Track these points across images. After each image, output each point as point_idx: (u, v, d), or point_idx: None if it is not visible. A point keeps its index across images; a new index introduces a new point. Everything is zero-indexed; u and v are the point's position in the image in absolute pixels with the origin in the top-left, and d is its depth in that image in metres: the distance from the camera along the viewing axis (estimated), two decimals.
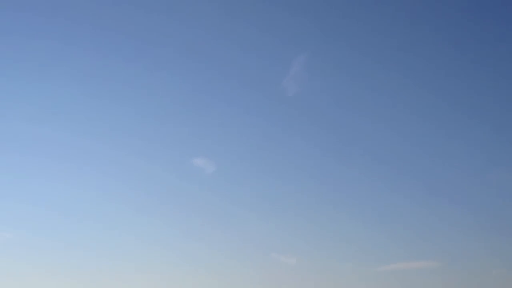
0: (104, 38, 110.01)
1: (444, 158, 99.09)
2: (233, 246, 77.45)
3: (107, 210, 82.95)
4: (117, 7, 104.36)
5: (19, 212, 79.23)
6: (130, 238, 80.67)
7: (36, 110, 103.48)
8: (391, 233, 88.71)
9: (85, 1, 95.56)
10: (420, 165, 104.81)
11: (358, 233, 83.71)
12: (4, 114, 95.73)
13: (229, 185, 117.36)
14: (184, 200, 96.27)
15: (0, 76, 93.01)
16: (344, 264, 74.45)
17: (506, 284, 63.04)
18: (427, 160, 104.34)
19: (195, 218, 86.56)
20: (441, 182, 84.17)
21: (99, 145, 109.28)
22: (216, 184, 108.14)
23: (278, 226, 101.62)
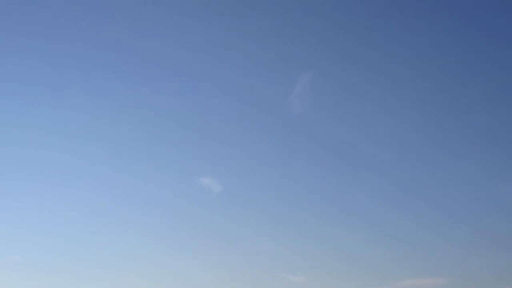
0: (111, 59, 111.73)
1: (450, 175, 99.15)
2: (240, 266, 77.53)
3: (112, 234, 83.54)
4: (124, 27, 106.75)
5: (28, 236, 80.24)
6: (136, 261, 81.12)
7: (41, 134, 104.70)
8: (399, 251, 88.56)
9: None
10: (428, 184, 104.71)
11: (366, 251, 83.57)
12: (11, 140, 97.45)
13: (236, 204, 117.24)
14: (190, 220, 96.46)
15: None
16: (352, 282, 74.45)
17: None
18: (435, 178, 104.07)
19: (201, 239, 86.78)
20: (448, 199, 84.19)
21: (103, 167, 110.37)
22: (222, 203, 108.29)
23: (286, 245, 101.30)
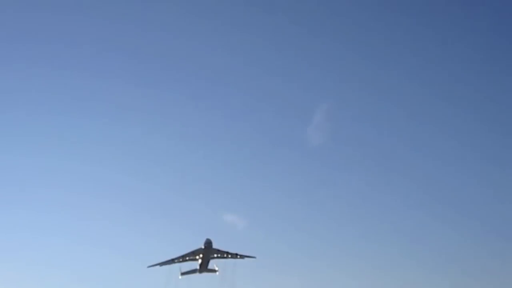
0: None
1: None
2: None
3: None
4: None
5: None
6: None
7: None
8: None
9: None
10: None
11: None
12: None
13: (261, 239, 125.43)
14: None
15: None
16: None
17: None
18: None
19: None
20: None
21: (133, 209, 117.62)
22: (248, 239, 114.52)
23: (313, 278, 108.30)
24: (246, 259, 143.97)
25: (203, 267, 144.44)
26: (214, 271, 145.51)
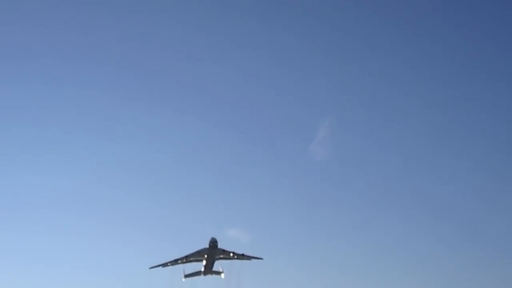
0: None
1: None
2: None
3: None
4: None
5: None
6: None
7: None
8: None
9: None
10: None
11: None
12: None
13: (265, 254, 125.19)
14: None
15: None
16: None
17: None
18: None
19: None
20: None
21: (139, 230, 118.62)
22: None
23: None
24: (253, 260, 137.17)
25: (208, 269, 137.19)
26: (219, 273, 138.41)
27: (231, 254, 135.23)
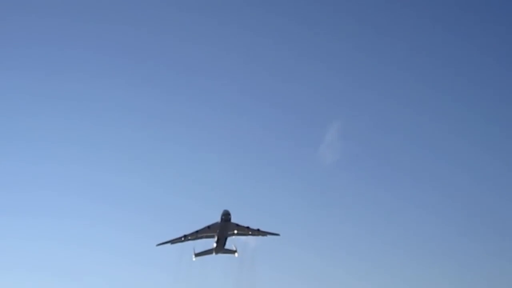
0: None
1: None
2: None
3: None
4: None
5: None
6: None
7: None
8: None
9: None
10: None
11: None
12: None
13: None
14: None
15: None
16: None
17: None
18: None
19: None
20: None
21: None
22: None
23: None
24: (268, 236, 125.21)
25: (220, 247, 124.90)
26: (232, 252, 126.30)
27: (246, 230, 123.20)
